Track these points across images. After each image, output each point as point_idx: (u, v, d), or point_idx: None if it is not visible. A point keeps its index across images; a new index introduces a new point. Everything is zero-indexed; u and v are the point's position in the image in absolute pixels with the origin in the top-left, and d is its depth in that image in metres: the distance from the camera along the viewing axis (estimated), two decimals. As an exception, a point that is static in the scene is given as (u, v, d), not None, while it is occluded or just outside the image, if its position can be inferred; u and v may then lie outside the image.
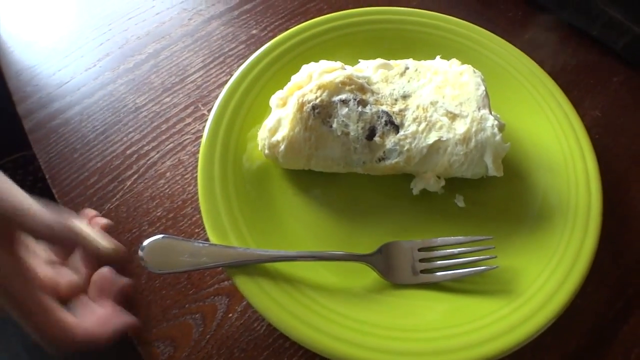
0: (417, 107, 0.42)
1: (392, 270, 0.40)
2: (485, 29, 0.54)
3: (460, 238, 0.40)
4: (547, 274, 0.40)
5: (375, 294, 0.40)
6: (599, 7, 0.56)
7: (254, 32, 0.58)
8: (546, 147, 0.48)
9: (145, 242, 0.38)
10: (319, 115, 0.41)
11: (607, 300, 0.44)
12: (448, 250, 0.41)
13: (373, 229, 0.44)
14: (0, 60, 0.59)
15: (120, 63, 0.57)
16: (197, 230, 0.46)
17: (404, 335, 0.37)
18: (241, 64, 0.51)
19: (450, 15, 0.55)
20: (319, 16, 0.54)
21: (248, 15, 0.60)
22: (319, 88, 0.42)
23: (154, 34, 0.59)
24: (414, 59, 0.47)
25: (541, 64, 0.54)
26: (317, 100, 0.41)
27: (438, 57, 0.48)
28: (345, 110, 0.41)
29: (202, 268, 0.38)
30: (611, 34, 0.57)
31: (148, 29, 0.60)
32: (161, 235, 0.38)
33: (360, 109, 0.42)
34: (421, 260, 0.40)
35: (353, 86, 0.42)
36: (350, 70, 0.45)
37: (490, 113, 0.42)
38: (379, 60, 0.46)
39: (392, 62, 0.46)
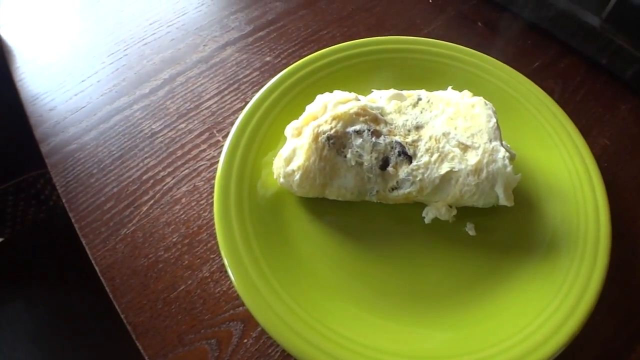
0: (430, 138, 0.43)
1: None
2: (496, 57, 0.56)
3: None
4: (556, 304, 0.41)
5: (386, 322, 0.41)
6: (608, 36, 0.57)
7: (268, 59, 0.60)
8: (556, 176, 0.48)
9: None
10: (333, 145, 0.42)
11: (614, 329, 0.44)
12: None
13: (385, 256, 0.44)
14: (15, 82, 0.61)
15: (136, 88, 0.58)
16: (212, 256, 0.46)
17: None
18: (255, 91, 0.52)
19: (460, 44, 0.56)
20: (332, 44, 0.56)
21: (262, 42, 0.62)
22: (333, 119, 0.43)
23: (169, 59, 0.61)
24: (426, 89, 0.49)
25: (550, 91, 0.55)
26: (332, 131, 0.42)
27: (450, 87, 0.49)
28: (359, 140, 0.42)
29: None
30: (620, 63, 0.58)
31: (163, 54, 0.61)
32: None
33: (374, 139, 0.43)
34: None
35: (367, 117, 0.43)
36: (364, 100, 0.46)
37: (502, 144, 0.43)
38: (392, 91, 0.47)
39: (404, 92, 0.47)
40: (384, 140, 0.43)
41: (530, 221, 0.46)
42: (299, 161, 0.43)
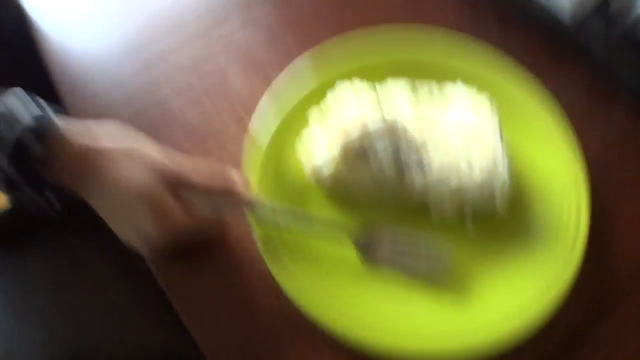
0: (444, 151, 0.49)
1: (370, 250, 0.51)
2: (503, 50, 0.59)
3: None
4: (530, 290, 0.50)
5: (388, 302, 0.51)
6: (613, 42, 0.60)
7: (290, 41, 0.62)
8: (545, 176, 0.56)
9: None
10: (361, 158, 0.48)
11: (582, 310, 0.52)
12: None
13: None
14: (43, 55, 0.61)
15: (165, 68, 0.60)
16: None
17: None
18: (279, 72, 0.57)
19: (471, 34, 0.60)
20: (346, 29, 0.60)
21: (286, 24, 0.63)
22: (362, 135, 0.48)
23: (194, 34, 0.62)
24: (436, 76, 0.54)
25: (548, 86, 0.58)
26: (360, 147, 0.48)
27: (459, 82, 0.54)
28: (382, 154, 0.48)
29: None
30: (621, 66, 0.61)
31: (190, 31, 0.62)
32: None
33: (395, 152, 0.48)
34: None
35: (391, 132, 0.48)
36: (384, 107, 0.50)
37: (503, 157, 0.50)
38: (406, 85, 0.53)
39: (418, 86, 0.52)
40: (404, 152, 0.49)
41: (518, 220, 0.54)
42: (330, 171, 0.49)
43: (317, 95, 0.54)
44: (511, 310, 0.50)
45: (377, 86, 0.53)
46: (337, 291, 0.49)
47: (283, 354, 0.49)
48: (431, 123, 0.50)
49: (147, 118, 0.57)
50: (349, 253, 0.51)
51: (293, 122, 0.55)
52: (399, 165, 0.49)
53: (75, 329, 0.71)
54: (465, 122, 0.50)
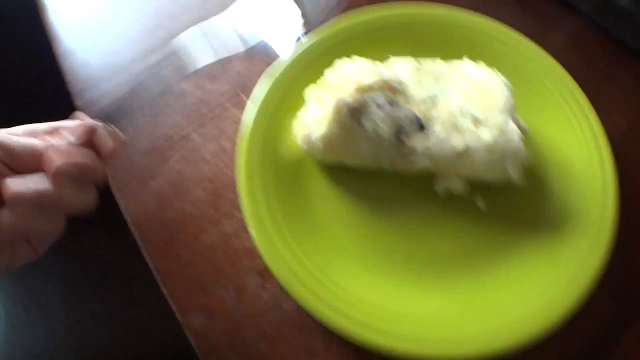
0: (446, 112, 0.45)
1: None
2: (518, 28, 0.55)
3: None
4: (550, 281, 0.43)
5: (390, 284, 0.45)
6: (636, 16, 0.56)
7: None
8: (567, 156, 0.50)
9: None
10: (354, 116, 0.44)
11: (610, 310, 0.46)
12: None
13: (396, 223, 0.47)
14: (51, 38, 0.63)
15: (166, 47, 0.60)
16: (235, 213, 0.50)
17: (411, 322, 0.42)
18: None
19: (482, 12, 0.56)
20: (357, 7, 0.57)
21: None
22: (356, 91, 0.44)
23: (198, 18, 0.62)
24: (442, 57, 0.50)
25: (571, 68, 0.55)
26: (354, 104, 0.44)
27: (465, 58, 0.50)
28: (378, 112, 0.44)
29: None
30: None
31: (192, 14, 0.63)
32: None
33: (392, 111, 0.44)
34: None
35: (388, 90, 0.45)
36: (382, 69, 0.47)
37: (514, 120, 0.45)
38: (410, 60, 0.49)
39: (422, 61, 0.49)
40: (402, 112, 0.45)
41: (537, 199, 0.48)
42: (321, 131, 0.45)
43: (315, 73, 0.51)
44: (527, 307, 0.42)
45: (379, 64, 0.50)
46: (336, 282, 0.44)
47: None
48: (434, 78, 0.47)
49: (148, 97, 0.57)
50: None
51: (291, 103, 0.52)
52: (397, 125, 0.45)
53: (80, 323, 0.69)
54: (471, 75, 0.46)
